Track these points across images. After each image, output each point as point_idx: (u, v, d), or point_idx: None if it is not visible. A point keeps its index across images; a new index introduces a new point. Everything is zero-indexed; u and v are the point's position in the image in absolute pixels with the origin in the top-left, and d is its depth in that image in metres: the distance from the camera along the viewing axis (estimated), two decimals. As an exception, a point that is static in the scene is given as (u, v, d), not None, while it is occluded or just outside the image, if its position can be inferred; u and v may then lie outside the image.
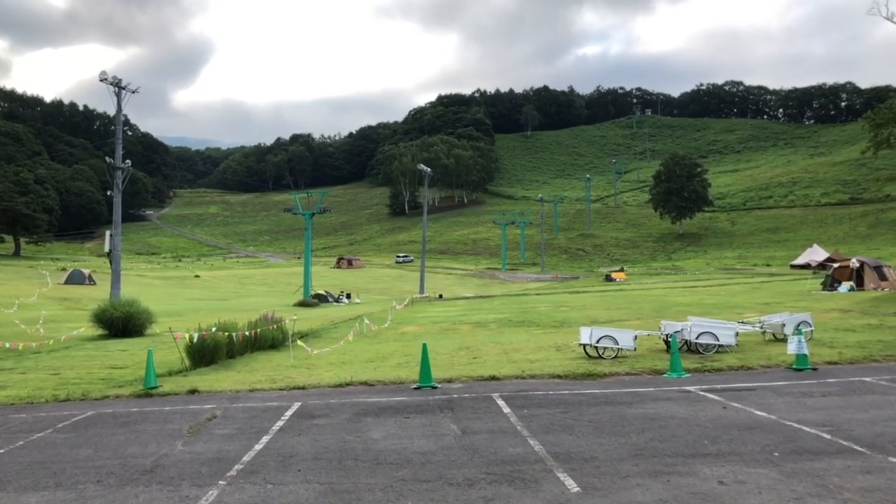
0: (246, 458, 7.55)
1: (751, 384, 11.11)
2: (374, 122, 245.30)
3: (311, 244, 55.91)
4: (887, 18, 29.10)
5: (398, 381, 12.45)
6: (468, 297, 48.62)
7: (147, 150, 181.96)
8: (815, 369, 12.27)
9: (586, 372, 12.53)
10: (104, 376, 14.82)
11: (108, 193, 36.88)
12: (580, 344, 14.49)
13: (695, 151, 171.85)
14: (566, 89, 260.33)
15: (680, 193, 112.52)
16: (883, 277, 34.64)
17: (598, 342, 14.28)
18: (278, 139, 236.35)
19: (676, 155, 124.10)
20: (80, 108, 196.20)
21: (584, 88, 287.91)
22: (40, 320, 30.42)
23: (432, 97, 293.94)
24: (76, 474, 7.17)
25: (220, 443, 8.36)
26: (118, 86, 35.60)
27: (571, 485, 6.21)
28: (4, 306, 39.07)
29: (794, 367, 12.40)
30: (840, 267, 37.30)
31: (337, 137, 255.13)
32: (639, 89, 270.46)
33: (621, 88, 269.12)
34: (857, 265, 35.74)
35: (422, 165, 68.91)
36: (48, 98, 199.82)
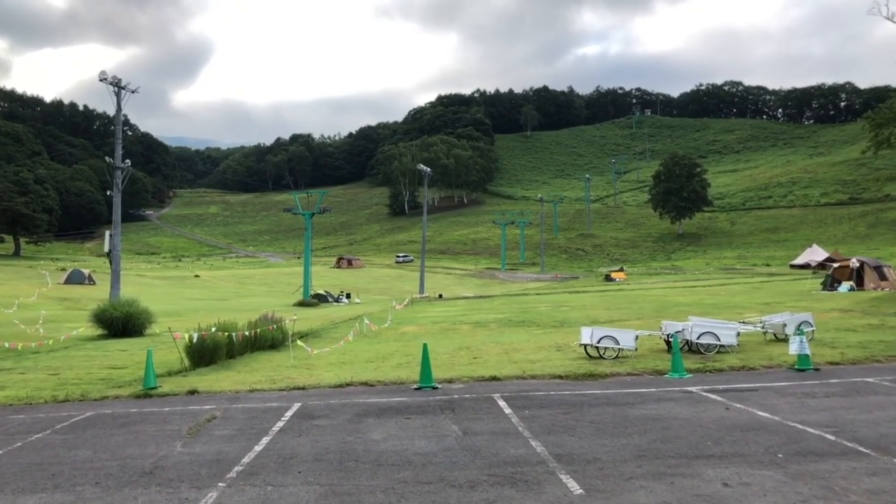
0: (246, 460, 7.50)
1: (753, 385, 11.06)
2: (373, 122, 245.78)
3: (311, 244, 55.85)
4: (888, 18, 29.04)
5: (399, 381, 12.40)
6: (468, 297, 48.57)
7: (147, 150, 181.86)
8: (817, 370, 12.22)
9: (587, 372, 12.48)
10: (103, 376, 14.77)
11: (108, 193, 36.81)
12: (581, 344, 14.44)
13: (694, 151, 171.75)
14: (566, 89, 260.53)
15: (679, 193, 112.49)
16: (883, 277, 34.60)
17: (599, 342, 14.23)
18: (278, 139, 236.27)
19: (676, 155, 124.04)
20: (80, 108, 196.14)
21: (584, 88, 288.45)
22: (40, 320, 30.36)
23: (432, 97, 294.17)
24: (74, 476, 7.11)
25: (220, 444, 8.30)
26: (118, 85, 35.54)
27: (574, 487, 6.15)
28: (4, 306, 39.01)
29: (796, 367, 12.34)
30: (840, 267, 37.26)
31: (337, 137, 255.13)
32: (638, 89, 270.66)
33: (621, 88, 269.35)
34: (857, 265, 35.70)
35: (422, 165, 68.85)
36: (48, 98, 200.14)
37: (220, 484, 6.65)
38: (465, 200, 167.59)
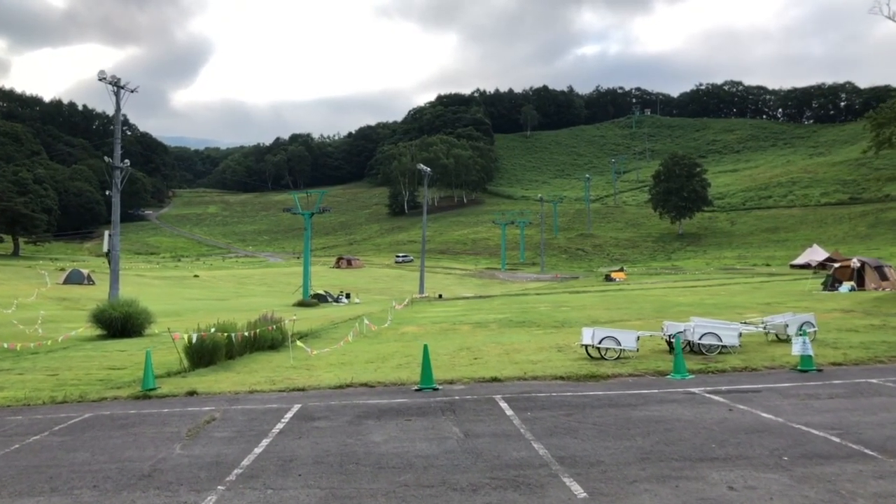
0: (245, 462, 7.42)
1: (756, 386, 10.99)
2: (373, 122, 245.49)
3: (311, 244, 55.77)
4: (889, 18, 28.99)
5: (399, 382, 12.32)
6: (468, 297, 48.50)
7: (146, 149, 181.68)
8: (819, 370, 12.15)
9: (589, 373, 12.41)
10: (102, 377, 14.70)
11: (107, 193, 36.73)
12: (582, 345, 14.36)
13: (694, 151, 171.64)
14: (565, 89, 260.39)
15: (679, 193, 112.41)
16: (884, 277, 34.54)
17: (600, 343, 14.15)
18: (277, 139, 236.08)
19: (676, 155, 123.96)
20: (80, 107, 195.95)
21: (584, 88, 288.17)
22: (39, 320, 30.26)
23: (432, 97, 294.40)
24: (72, 479, 7.04)
25: (219, 446, 8.23)
26: (117, 85, 35.45)
27: (578, 490, 6.08)
28: (3, 306, 38.93)
29: (798, 368, 12.27)
30: (841, 267, 37.19)
31: (336, 137, 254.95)
32: (638, 89, 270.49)
33: (620, 88, 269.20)
34: (858, 265, 35.64)
35: (421, 165, 68.76)
36: (47, 98, 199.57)
37: (219, 487, 6.58)
38: (465, 200, 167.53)
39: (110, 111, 40.14)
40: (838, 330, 17.84)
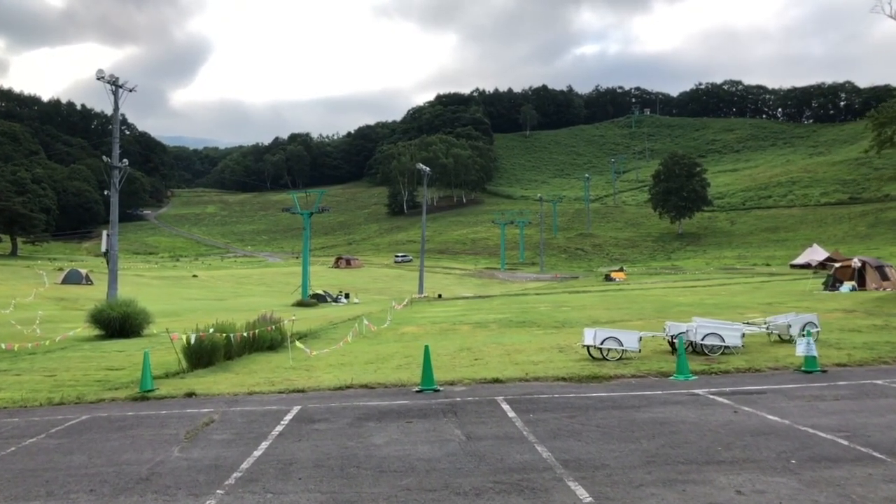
0: (244, 466, 7.31)
1: (760, 387, 10.89)
2: (372, 122, 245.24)
3: (310, 244, 55.63)
4: (890, 17, 28.89)
5: (399, 383, 12.21)
6: (467, 297, 48.38)
7: (145, 149, 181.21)
8: (824, 371, 12.05)
9: (591, 374, 12.30)
10: (100, 378, 14.58)
11: (106, 193, 36.67)
12: (584, 345, 14.26)
13: (694, 151, 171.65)
14: (565, 89, 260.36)
15: (679, 193, 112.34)
16: (885, 277, 34.46)
17: (602, 343, 14.05)
18: (276, 139, 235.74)
19: (675, 154, 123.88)
20: (78, 107, 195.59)
21: (583, 88, 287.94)
22: (37, 320, 30.12)
23: (431, 97, 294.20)
24: (69, 483, 6.92)
25: (218, 449, 8.12)
26: (115, 84, 35.34)
27: (583, 494, 5.97)
28: (1, 306, 38.79)
29: (802, 369, 12.17)
30: (842, 267, 37.11)
31: (335, 137, 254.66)
32: (637, 89, 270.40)
33: (620, 88, 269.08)
34: (859, 265, 35.55)
35: (421, 165, 68.59)
36: (45, 97, 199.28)
37: (218, 491, 6.47)
38: (465, 200, 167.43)
39: (109, 111, 40.04)
40: (841, 330, 17.75)
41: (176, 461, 7.62)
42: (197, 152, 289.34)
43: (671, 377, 11.92)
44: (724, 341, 14.29)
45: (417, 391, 11.41)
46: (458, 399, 10.64)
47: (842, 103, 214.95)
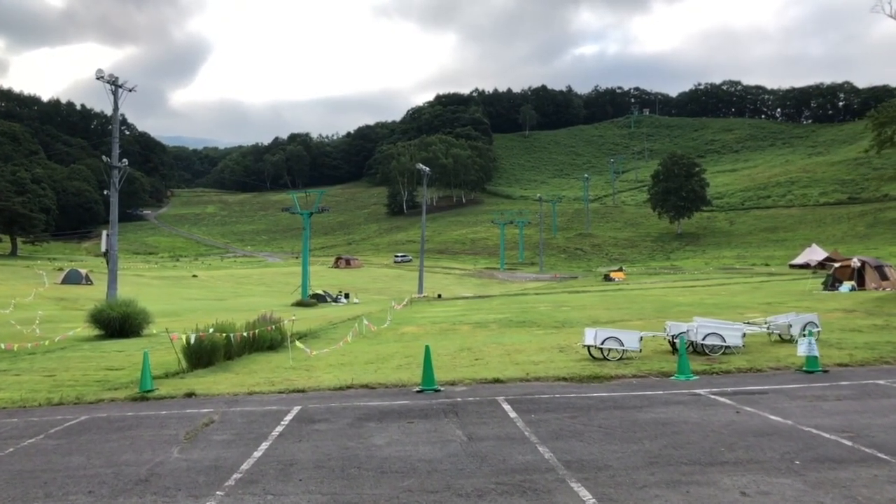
0: (245, 467, 7.26)
1: (762, 387, 10.84)
2: (372, 122, 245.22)
3: (309, 244, 55.58)
4: (890, 16, 28.86)
5: (400, 383, 12.16)
6: (467, 297, 48.34)
7: (144, 149, 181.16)
8: (825, 371, 12.01)
9: (592, 374, 12.26)
10: (99, 378, 14.53)
11: (106, 193, 36.66)
12: (585, 345, 14.22)
13: (693, 151, 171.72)
14: (564, 89, 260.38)
15: (678, 193, 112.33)
16: (884, 277, 34.44)
17: (602, 343, 14.01)
18: (276, 139, 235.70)
19: (674, 154, 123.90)
20: (78, 107, 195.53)
21: (582, 88, 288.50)
22: (36, 321, 30.05)
23: (430, 97, 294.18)
24: (67, 484, 6.87)
25: (218, 449, 8.07)
26: (115, 84, 35.29)
27: (586, 496, 5.93)
28: (1, 306, 38.71)
29: (804, 369, 12.13)
30: (841, 266, 37.08)
31: (335, 137, 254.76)
32: (637, 89, 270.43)
33: (619, 88, 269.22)
34: (859, 265, 35.52)
35: (420, 165, 68.55)
36: (45, 97, 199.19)
37: (218, 493, 6.42)
38: (464, 200, 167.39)
39: (108, 111, 39.98)
40: (841, 330, 17.71)
41: (175, 462, 7.57)
42: (196, 152, 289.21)
43: (672, 377, 11.87)
44: (725, 341, 14.25)
45: (418, 391, 11.37)
46: (459, 399, 10.59)
47: (840, 103, 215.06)
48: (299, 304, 44.28)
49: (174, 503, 6.19)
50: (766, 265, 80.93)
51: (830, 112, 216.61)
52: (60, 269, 68.43)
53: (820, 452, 7.04)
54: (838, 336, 16.43)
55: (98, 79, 34.91)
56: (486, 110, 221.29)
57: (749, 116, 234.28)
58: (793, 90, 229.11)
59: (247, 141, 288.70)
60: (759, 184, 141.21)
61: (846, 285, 34.13)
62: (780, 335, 16.16)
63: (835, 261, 48.47)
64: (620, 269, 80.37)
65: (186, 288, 64.19)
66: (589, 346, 14.13)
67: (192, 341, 15.38)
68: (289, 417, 9.72)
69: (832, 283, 35.20)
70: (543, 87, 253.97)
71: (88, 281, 58.56)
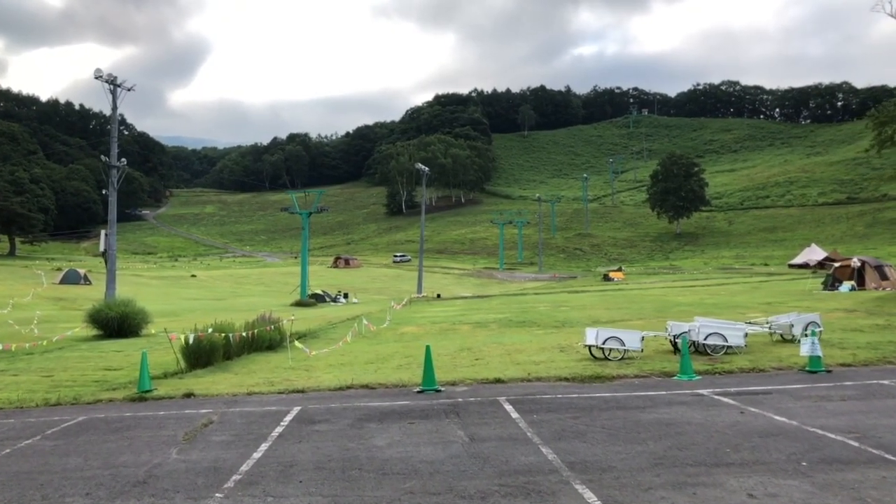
0: (244, 468, 7.17)
1: (765, 387, 10.76)
2: (371, 122, 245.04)
3: (308, 244, 55.48)
4: (891, 15, 28.81)
5: (400, 383, 12.08)
6: (466, 297, 48.25)
7: (143, 149, 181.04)
8: (829, 371, 11.94)
9: (594, 374, 12.18)
10: (97, 378, 14.43)
11: (104, 193, 36.58)
12: (586, 345, 14.14)
13: (692, 151, 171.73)
14: (563, 89, 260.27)
15: (677, 193, 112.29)
16: (884, 277, 34.38)
17: (604, 343, 13.92)
18: (275, 139, 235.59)
19: (673, 154, 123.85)
20: (76, 107, 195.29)
21: (581, 88, 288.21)
22: (35, 320, 29.92)
23: (429, 97, 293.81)
24: (64, 486, 6.78)
25: (217, 450, 7.98)
26: (114, 83, 35.19)
27: (591, 498, 5.84)
28: (-2, 306, 38.59)
29: (807, 369, 12.05)
30: (841, 266, 37.01)
31: (334, 137, 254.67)
32: (635, 89, 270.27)
33: (618, 88, 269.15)
34: (859, 264, 35.46)
35: (419, 165, 68.47)
36: (44, 97, 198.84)
37: (217, 494, 6.33)
38: (463, 200, 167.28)
39: (107, 111, 39.86)
40: (843, 330, 17.64)
41: (174, 463, 7.48)
42: (195, 152, 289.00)
43: (675, 377, 11.79)
44: (726, 341, 14.17)
45: (419, 391, 11.28)
46: (460, 399, 10.50)
47: (839, 104, 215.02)
48: (298, 303, 44.17)
49: (173, 505, 6.09)
50: (765, 265, 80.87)
51: (829, 112, 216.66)
52: (59, 269, 68.26)
53: (827, 453, 6.96)
54: (840, 336, 16.36)
55: (97, 78, 34.82)
56: (484, 110, 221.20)
57: (748, 116, 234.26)
58: (791, 90, 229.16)
59: (246, 141, 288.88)
60: (757, 184, 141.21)
61: (846, 285, 34.07)
62: (781, 335, 16.08)
63: (834, 260, 48.42)
64: (619, 269, 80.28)
65: (185, 288, 64.06)
66: (590, 346, 14.05)
67: (191, 341, 15.29)
68: (288, 418, 9.63)
69: (832, 283, 35.14)
70: (542, 88, 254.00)
71: (87, 281, 58.41)
